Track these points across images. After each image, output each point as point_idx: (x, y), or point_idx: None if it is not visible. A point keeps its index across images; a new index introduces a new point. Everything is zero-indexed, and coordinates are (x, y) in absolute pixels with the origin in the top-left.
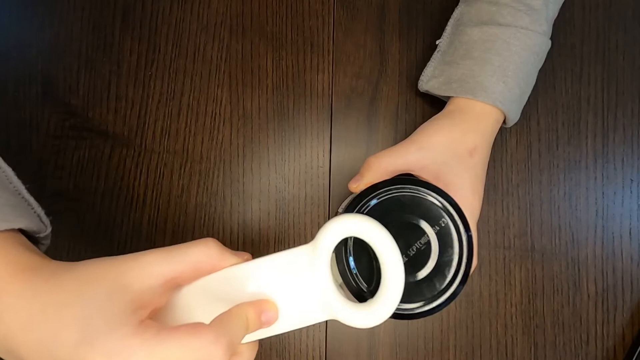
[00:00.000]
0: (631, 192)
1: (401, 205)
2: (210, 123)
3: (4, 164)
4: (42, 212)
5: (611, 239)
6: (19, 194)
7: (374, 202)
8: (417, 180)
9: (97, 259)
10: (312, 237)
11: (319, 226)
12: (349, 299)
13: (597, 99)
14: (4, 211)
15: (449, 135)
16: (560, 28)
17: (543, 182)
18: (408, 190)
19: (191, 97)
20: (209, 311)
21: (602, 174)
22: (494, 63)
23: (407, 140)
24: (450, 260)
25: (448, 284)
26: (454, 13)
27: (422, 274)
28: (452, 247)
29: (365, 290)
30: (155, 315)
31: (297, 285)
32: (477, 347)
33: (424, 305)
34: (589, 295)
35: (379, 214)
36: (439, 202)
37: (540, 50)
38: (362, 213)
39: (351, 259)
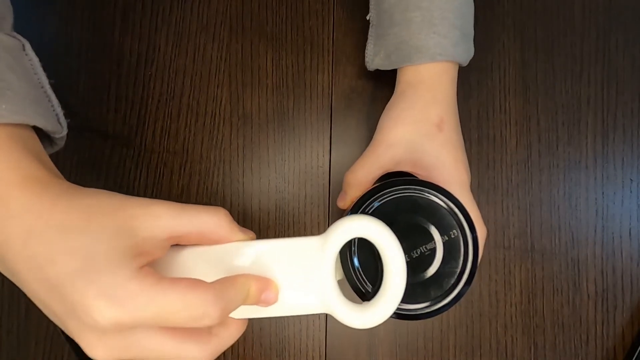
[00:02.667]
0: (631, 192)
1: (416, 207)
2: (210, 123)
3: (32, 52)
4: (61, 113)
5: (611, 239)
6: (42, 87)
7: (389, 198)
8: (425, 182)
9: (108, 193)
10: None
11: (319, 226)
12: (351, 297)
13: (597, 99)
14: (24, 104)
15: (410, 119)
16: (561, 28)
17: (543, 182)
18: (426, 193)
19: (191, 97)
20: (208, 276)
21: (602, 174)
22: (416, 20)
23: (373, 142)
24: (452, 273)
25: (444, 293)
26: None
27: (421, 278)
28: (456, 260)
29: (369, 290)
30: (152, 268)
31: (300, 273)
32: (477, 347)
33: (428, 306)
34: (589, 295)
35: (392, 211)
36: (452, 209)
37: None
38: (377, 207)
39: (355, 258)
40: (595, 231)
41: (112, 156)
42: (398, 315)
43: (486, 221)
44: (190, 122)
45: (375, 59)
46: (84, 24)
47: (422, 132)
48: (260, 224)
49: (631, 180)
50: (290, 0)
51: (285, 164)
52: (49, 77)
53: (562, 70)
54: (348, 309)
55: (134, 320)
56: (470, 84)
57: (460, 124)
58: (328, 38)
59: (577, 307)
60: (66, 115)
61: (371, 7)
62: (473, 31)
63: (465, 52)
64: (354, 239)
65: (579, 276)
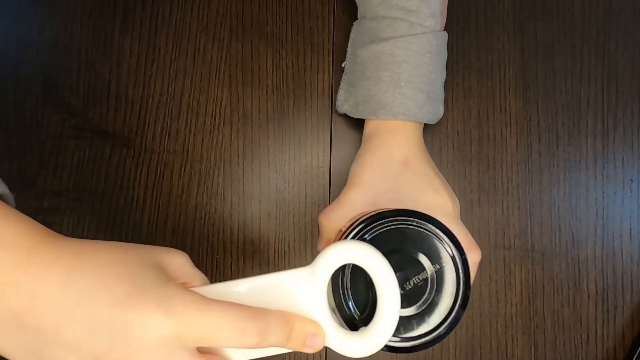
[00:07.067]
0: (631, 192)
1: (406, 238)
2: (210, 123)
3: None
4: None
5: (611, 239)
6: None
7: (379, 230)
8: (413, 212)
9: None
10: (312, 237)
11: (319, 227)
12: (340, 324)
13: (597, 99)
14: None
15: (375, 163)
16: (561, 28)
17: (543, 182)
18: (415, 224)
19: (191, 97)
20: None
21: (602, 174)
22: (385, 79)
23: (345, 187)
24: (446, 300)
25: (441, 321)
26: (350, 33)
27: (415, 309)
28: (449, 287)
29: (357, 318)
30: None
31: (292, 308)
32: (477, 347)
33: (425, 336)
34: (589, 295)
35: (383, 244)
36: (441, 238)
37: (433, 46)
38: (368, 240)
39: (348, 285)
40: (595, 231)
41: (112, 156)
42: (396, 349)
43: (486, 221)
44: (191, 122)
45: (344, 105)
46: (84, 24)
47: (389, 173)
48: (261, 224)
49: (631, 180)
50: (290, 1)
51: (286, 164)
52: (48, 79)
53: (562, 70)
54: (343, 339)
55: (185, 331)
56: (470, 84)
57: (460, 124)
58: (328, 38)
59: (577, 307)
60: (66, 116)
61: (347, 56)
62: (443, 94)
63: (431, 113)
64: (346, 267)
65: (579, 276)
